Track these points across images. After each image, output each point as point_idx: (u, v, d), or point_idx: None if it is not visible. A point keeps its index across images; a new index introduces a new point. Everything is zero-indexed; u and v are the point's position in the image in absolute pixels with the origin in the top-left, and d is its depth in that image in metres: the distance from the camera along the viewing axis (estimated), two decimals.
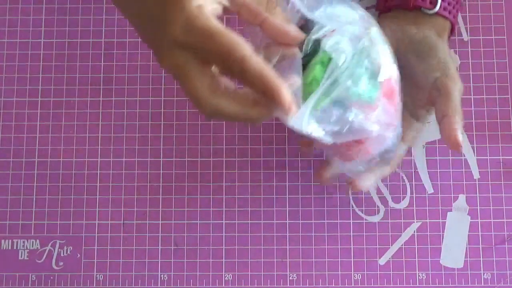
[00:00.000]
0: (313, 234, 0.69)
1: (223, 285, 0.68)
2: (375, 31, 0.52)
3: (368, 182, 0.63)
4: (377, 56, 0.50)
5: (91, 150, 0.70)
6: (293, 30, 0.49)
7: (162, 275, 0.68)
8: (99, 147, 0.70)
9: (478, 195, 0.69)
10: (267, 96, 0.45)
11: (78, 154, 0.70)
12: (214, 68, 0.47)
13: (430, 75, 0.60)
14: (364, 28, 0.51)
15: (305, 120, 0.47)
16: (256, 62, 0.44)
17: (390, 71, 0.51)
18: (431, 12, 0.62)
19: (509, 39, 0.72)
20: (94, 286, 0.68)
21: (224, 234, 0.69)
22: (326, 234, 0.69)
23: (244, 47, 0.44)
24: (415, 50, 0.61)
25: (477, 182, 0.69)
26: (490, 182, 0.69)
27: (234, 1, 0.49)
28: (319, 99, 0.48)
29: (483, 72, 0.71)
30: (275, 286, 0.68)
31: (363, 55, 0.50)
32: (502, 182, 0.69)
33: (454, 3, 0.63)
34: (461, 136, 0.57)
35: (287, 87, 0.45)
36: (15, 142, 0.71)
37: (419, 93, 0.61)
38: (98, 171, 0.70)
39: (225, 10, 0.49)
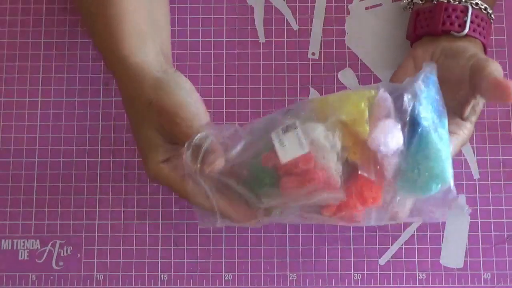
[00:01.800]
0: (313, 234, 0.69)
1: (223, 285, 0.68)
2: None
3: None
4: None
5: (91, 150, 0.70)
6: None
7: (162, 275, 0.68)
8: (99, 147, 0.70)
9: (478, 195, 0.69)
10: None
11: (78, 154, 0.70)
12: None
13: (466, 64, 0.59)
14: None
15: None
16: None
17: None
18: (461, 35, 0.62)
19: (509, 39, 0.72)
20: (94, 286, 0.68)
21: (224, 234, 0.69)
22: (326, 234, 0.69)
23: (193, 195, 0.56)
24: (448, 53, 0.61)
25: (477, 182, 0.69)
26: (490, 182, 0.69)
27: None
28: None
29: None
30: (275, 286, 0.68)
31: None
32: (502, 182, 0.69)
33: (484, 24, 0.63)
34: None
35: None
36: (15, 142, 0.71)
37: (460, 88, 0.59)
38: (98, 171, 0.70)
39: None
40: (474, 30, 0.62)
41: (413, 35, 0.66)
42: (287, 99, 0.71)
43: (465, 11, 0.62)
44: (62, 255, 0.68)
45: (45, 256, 0.68)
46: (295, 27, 0.73)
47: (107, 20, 0.60)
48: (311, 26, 0.73)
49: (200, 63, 0.72)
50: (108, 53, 0.61)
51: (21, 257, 0.68)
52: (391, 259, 0.68)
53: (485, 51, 0.64)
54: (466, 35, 0.62)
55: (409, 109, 0.53)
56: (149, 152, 0.57)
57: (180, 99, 0.56)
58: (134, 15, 0.60)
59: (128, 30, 0.60)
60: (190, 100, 0.57)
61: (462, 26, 0.62)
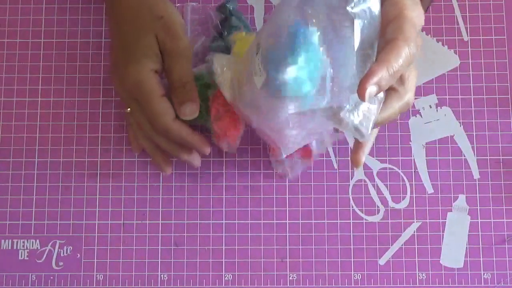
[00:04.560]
0: (313, 234, 0.69)
1: (223, 285, 0.68)
2: None
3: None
4: None
5: (91, 150, 0.70)
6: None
7: (162, 275, 0.68)
8: (99, 147, 0.70)
9: (478, 195, 0.69)
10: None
11: (78, 154, 0.70)
12: None
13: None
14: None
15: None
16: (175, 132, 0.62)
17: None
18: None
19: (509, 39, 0.72)
20: (94, 286, 0.68)
21: (224, 234, 0.69)
22: (326, 234, 0.69)
23: (166, 114, 0.61)
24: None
25: (477, 182, 0.69)
26: (490, 182, 0.69)
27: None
28: None
29: (483, 72, 0.72)
30: (275, 286, 0.68)
31: None
32: (502, 182, 0.69)
33: None
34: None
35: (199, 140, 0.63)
36: (15, 142, 0.71)
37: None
38: (98, 171, 0.70)
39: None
40: None
41: None
42: None
43: None
44: (62, 255, 0.68)
45: (45, 256, 0.68)
46: None
47: None
48: None
49: None
50: None
51: (21, 257, 0.68)
52: (391, 259, 0.68)
53: None
54: None
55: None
56: (143, 57, 0.61)
57: (180, 23, 0.63)
58: None
59: None
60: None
61: None
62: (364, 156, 0.59)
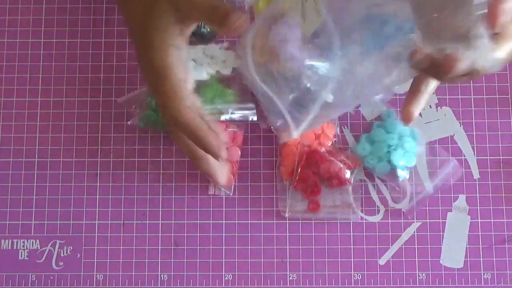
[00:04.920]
0: (313, 234, 0.69)
1: (223, 285, 0.68)
2: None
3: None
4: None
5: (91, 150, 0.70)
6: None
7: (162, 275, 0.68)
8: (99, 147, 0.70)
9: (478, 195, 0.69)
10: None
11: (78, 154, 0.70)
12: None
13: None
14: None
15: None
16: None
17: None
18: None
19: None
20: (94, 286, 0.68)
21: (224, 234, 0.69)
22: (326, 234, 0.68)
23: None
24: None
25: (477, 182, 0.69)
26: (490, 182, 0.69)
27: None
28: None
29: None
30: (275, 286, 0.68)
31: None
32: (502, 182, 0.69)
33: None
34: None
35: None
36: (15, 142, 0.71)
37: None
38: (98, 171, 0.70)
39: None
40: None
41: None
42: None
43: None
44: (62, 255, 0.68)
45: (45, 256, 0.68)
46: None
47: None
48: None
49: None
50: None
51: (21, 257, 0.68)
52: (391, 259, 0.68)
53: None
54: None
55: None
56: (158, 31, 0.54)
57: None
58: None
59: None
60: None
61: None
62: (418, 110, 0.55)
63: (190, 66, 0.67)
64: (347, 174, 0.67)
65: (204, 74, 0.70)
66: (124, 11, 0.58)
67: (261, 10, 0.69)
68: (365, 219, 0.69)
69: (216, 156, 0.56)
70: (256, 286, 0.68)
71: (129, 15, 0.57)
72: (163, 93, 0.54)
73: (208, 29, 0.70)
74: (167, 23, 0.53)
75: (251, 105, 0.68)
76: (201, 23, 0.69)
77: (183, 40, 0.55)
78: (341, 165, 0.67)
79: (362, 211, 0.69)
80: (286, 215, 0.68)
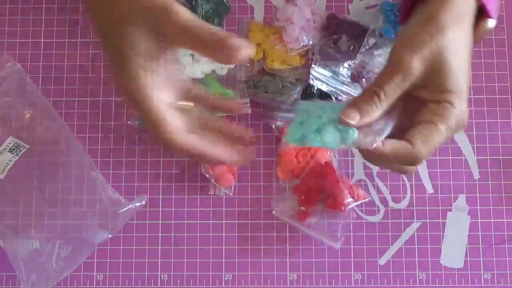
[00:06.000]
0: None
1: (223, 285, 0.68)
2: None
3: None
4: None
5: (91, 150, 0.70)
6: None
7: (162, 275, 0.68)
8: (99, 147, 0.70)
9: (478, 195, 0.69)
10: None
11: (78, 154, 0.70)
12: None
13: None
14: None
15: None
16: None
17: None
18: None
19: (509, 39, 0.72)
20: (94, 286, 0.68)
21: (224, 234, 0.69)
22: (326, 233, 0.68)
23: (165, 125, 0.48)
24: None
25: (477, 182, 0.69)
26: (490, 182, 0.69)
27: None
28: None
29: (483, 72, 0.71)
30: (275, 286, 0.68)
31: None
32: (502, 182, 0.69)
33: None
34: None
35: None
36: None
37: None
38: (98, 171, 0.70)
39: None
40: None
41: (403, 8, 0.58)
42: None
43: None
44: (62, 255, 0.68)
45: (45, 256, 0.68)
46: None
47: None
48: None
49: None
50: None
51: (21, 257, 0.68)
52: (391, 259, 0.68)
53: (485, 11, 0.54)
54: None
55: None
56: (128, 58, 0.48)
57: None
58: None
59: None
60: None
61: None
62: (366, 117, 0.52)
63: (181, 66, 0.66)
64: (347, 200, 0.66)
65: (198, 72, 0.70)
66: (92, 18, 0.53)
67: (271, 67, 0.70)
68: (365, 219, 0.69)
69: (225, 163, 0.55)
70: (256, 286, 0.68)
71: (99, 28, 0.51)
72: (144, 119, 0.50)
73: None
74: (143, 48, 0.48)
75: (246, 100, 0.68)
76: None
77: (159, 62, 0.49)
78: (346, 191, 0.66)
79: (362, 211, 0.69)
80: (273, 212, 0.68)
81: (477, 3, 0.53)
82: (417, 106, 0.52)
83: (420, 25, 0.51)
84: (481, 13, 0.54)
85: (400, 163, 0.52)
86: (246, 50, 0.47)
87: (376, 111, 0.50)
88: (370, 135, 0.50)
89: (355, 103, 0.50)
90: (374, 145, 0.49)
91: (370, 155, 0.51)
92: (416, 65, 0.49)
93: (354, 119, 0.49)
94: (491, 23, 0.55)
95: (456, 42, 0.51)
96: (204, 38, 0.47)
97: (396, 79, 0.49)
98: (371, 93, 0.50)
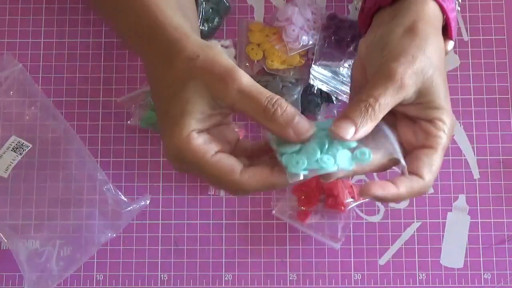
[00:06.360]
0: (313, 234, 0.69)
1: (223, 285, 0.68)
2: None
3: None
4: None
5: (91, 150, 0.70)
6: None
7: (162, 275, 0.68)
8: (99, 147, 0.70)
9: (478, 195, 0.69)
10: None
11: (78, 154, 0.70)
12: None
13: (395, 37, 0.51)
14: None
15: None
16: (249, 184, 0.48)
17: None
18: None
19: (509, 39, 0.72)
20: (94, 286, 0.68)
21: (224, 234, 0.69)
22: (326, 234, 0.68)
23: (230, 172, 0.48)
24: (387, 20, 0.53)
25: (477, 182, 0.69)
26: (490, 182, 0.69)
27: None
28: None
29: (483, 72, 0.72)
30: (275, 286, 0.68)
31: None
32: (502, 182, 0.69)
33: None
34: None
35: None
36: None
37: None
38: (98, 171, 0.70)
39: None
40: None
41: (361, 19, 0.58)
42: None
43: None
44: (62, 255, 0.68)
45: (45, 256, 0.68)
46: None
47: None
48: None
49: None
50: (142, 19, 0.52)
51: (21, 257, 0.68)
52: (391, 259, 0.68)
53: (444, 12, 0.54)
54: None
55: None
56: (181, 117, 0.47)
57: (228, 61, 0.48)
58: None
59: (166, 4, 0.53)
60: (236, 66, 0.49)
61: None
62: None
63: None
64: (347, 200, 0.66)
65: None
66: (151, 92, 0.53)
67: (271, 67, 0.69)
68: (365, 219, 0.69)
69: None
70: (256, 286, 0.68)
71: (154, 96, 0.52)
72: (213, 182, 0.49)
73: (210, 25, 0.70)
74: (195, 111, 0.48)
75: None
76: (200, 22, 0.69)
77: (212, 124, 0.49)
78: (346, 191, 0.66)
79: (362, 211, 0.69)
80: (273, 212, 0.68)
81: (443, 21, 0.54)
82: (400, 121, 0.52)
83: (407, 37, 0.50)
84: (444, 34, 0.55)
85: (413, 197, 0.51)
86: (306, 131, 0.47)
87: (371, 124, 0.48)
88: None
89: (348, 116, 0.48)
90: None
91: (388, 200, 0.50)
92: (410, 80, 0.48)
93: (349, 133, 0.48)
94: (450, 45, 0.56)
95: (437, 54, 0.51)
96: (264, 108, 0.47)
97: (391, 91, 0.48)
98: (365, 105, 0.48)
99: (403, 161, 0.49)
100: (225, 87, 0.47)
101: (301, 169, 0.47)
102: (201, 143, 0.47)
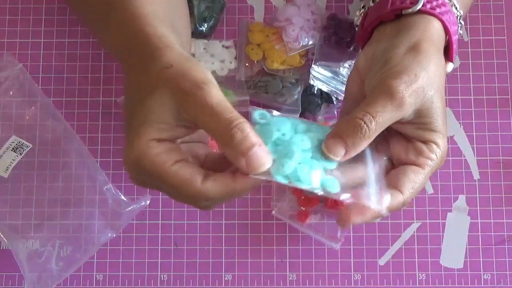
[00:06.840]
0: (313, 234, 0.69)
1: (223, 285, 0.68)
2: None
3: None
4: None
5: (91, 150, 0.70)
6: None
7: (162, 275, 0.68)
8: (99, 147, 0.70)
9: (478, 195, 0.69)
10: None
11: (77, 154, 0.70)
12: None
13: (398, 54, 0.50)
14: None
15: None
16: (212, 193, 0.46)
17: None
18: (414, 10, 0.52)
19: (509, 39, 0.72)
20: (94, 286, 0.68)
21: (224, 234, 0.69)
22: (326, 234, 0.68)
23: (190, 181, 0.45)
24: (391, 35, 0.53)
25: (477, 183, 0.69)
26: (490, 182, 0.69)
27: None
28: None
29: (483, 72, 0.72)
30: (275, 286, 0.68)
31: None
32: (502, 182, 0.69)
33: (442, 3, 0.53)
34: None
35: None
36: None
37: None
38: (98, 171, 0.70)
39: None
40: (431, 8, 0.52)
41: (360, 32, 0.58)
42: None
43: None
44: (62, 255, 0.68)
45: (45, 256, 0.68)
46: None
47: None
48: None
49: None
50: (125, 21, 0.51)
51: (21, 257, 0.68)
52: (391, 259, 0.68)
53: (448, 34, 0.54)
54: (420, 11, 0.52)
55: None
56: (142, 125, 0.45)
57: (203, 74, 0.46)
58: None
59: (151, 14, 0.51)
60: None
61: (414, 2, 0.52)
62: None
63: None
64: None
65: None
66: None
67: (271, 67, 0.69)
68: None
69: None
70: (256, 286, 0.68)
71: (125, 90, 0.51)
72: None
73: (208, 24, 0.70)
74: (157, 120, 0.46)
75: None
76: (198, 23, 0.69)
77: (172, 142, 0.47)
78: None
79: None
80: (273, 212, 0.68)
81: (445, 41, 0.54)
82: (393, 137, 0.51)
83: (411, 55, 0.50)
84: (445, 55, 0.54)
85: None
86: (259, 167, 0.44)
87: (365, 143, 0.47)
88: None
89: (341, 136, 0.47)
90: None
91: (368, 222, 0.50)
92: (411, 99, 0.48)
93: (339, 154, 0.46)
94: (450, 67, 0.55)
95: (439, 76, 0.50)
96: (223, 128, 0.44)
97: (390, 109, 0.47)
98: (359, 123, 0.46)
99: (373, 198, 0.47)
100: (188, 99, 0.45)
101: (280, 174, 0.45)
102: (160, 151, 0.45)
